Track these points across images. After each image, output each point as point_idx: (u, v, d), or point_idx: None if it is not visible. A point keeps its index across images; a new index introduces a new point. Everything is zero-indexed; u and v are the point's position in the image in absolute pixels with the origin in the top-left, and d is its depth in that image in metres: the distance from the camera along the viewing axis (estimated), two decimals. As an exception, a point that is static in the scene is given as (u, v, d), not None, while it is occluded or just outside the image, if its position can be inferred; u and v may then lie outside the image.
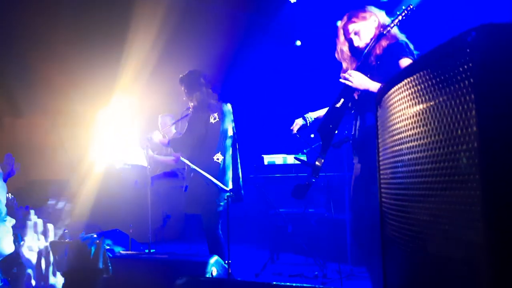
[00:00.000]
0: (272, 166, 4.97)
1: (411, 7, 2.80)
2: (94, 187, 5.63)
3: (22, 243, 1.84)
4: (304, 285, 3.18)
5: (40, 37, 5.83)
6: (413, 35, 2.98)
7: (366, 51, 2.91)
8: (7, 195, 2.53)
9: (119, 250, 3.72)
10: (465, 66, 1.04)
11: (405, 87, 1.28)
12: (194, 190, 3.88)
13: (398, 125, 1.34)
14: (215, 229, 3.88)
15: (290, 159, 5.01)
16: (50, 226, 1.84)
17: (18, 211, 2.99)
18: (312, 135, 4.90)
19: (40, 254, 1.71)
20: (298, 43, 6.98)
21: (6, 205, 2.36)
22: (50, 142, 5.84)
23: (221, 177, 3.87)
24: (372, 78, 2.85)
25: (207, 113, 3.94)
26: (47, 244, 1.91)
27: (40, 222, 1.82)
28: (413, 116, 1.24)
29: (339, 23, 3.10)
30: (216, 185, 3.74)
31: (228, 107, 4.11)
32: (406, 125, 1.27)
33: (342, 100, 2.98)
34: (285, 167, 4.95)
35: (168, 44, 6.34)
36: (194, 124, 3.91)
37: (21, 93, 5.90)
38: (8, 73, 5.85)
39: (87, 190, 5.60)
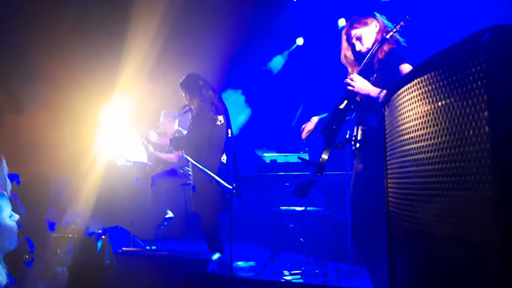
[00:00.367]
0: (274, 165, 4.97)
1: (413, 14, 2.86)
2: (95, 183, 5.62)
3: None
4: (307, 283, 3.19)
5: (41, 33, 5.81)
6: (413, 39, 3.06)
7: (368, 55, 2.96)
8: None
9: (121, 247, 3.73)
10: (478, 67, 1.05)
11: (415, 87, 1.28)
12: (200, 189, 3.89)
13: (407, 125, 1.34)
14: (215, 227, 3.89)
15: (292, 157, 5.01)
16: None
17: (21, 207, 3.00)
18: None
19: None
20: (300, 41, 6.97)
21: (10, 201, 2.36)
22: (51, 138, 5.81)
23: (226, 176, 3.89)
24: (375, 81, 2.92)
25: (213, 115, 3.95)
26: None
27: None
28: (423, 116, 1.24)
29: (342, 29, 3.17)
30: (221, 184, 3.75)
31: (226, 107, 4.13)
32: (416, 125, 1.28)
33: (345, 101, 3.02)
34: (287, 165, 4.95)
35: (169, 41, 6.33)
36: (201, 125, 3.91)
37: (22, 89, 5.88)
38: (9, 69, 5.83)
39: (89, 187, 5.59)
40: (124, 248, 3.66)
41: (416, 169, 1.28)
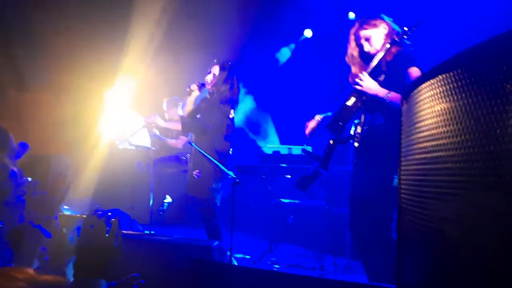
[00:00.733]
0: (277, 156, 4.96)
1: (425, 19, 2.96)
2: (96, 165, 5.61)
3: None
4: (307, 275, 3.20)
5: (48, 12, 5.78)
6: (418, 42, 3.12)
7: (378, 56, 3.01)
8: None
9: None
10: (505, 67, 1.04)
11: (438, 84, 1.27)
12: (205, 175, 3.90)
13: (427, 122, 1.33)
14: (216, 213, 3.91)
15: (295, 149, 5.01)
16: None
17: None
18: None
19: None
20: (308, 33, 6.92)
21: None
22: (54, 117, 5.80)
23: (231, 168, 3.93)
24: (382, 82, 2.98)
25: (229, 107, 3.98)
26: None
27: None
28: (445, 113, 1.23)
29: (351, 29, 3.23)
30: (224, 172, 3.77)
31: None
32: (437, 122, 1.27)
33: (353, 98, 3.06)
34: (289, 157, 4.95)
35: (175, 25, 6.28)
36: (217, 113, 3.94)
37: (27, 66, 5.86)
38: (15, 46, 5.80)
39: (90, 168, 5.59)
40: (123, 231, 3.67)
41: (434, 167, 1.27)
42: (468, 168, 1.14)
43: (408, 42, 3.05)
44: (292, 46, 7.18)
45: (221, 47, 6.01)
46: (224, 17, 6.36)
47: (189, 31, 6.34)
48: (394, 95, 2.89)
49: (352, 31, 3.21)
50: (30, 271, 1.06)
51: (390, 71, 3.02)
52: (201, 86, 4.15)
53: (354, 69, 3.25)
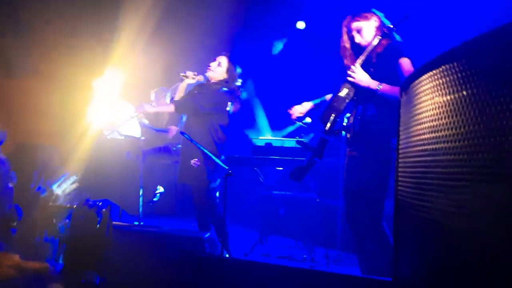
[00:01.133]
0: (269, 148, 4.93)
1: (412, 13, 3.04)
2: (84, 155, 5.54)
3: None
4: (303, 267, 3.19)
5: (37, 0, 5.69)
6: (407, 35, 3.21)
7: (369, 48, 3.06)
8: None
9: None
10: (506, 58, 1.02)
11: (440, 75, 1.25)
12: (202, 162, 3.86)
13: (429, 113, 1.31)
14: (219, 206, 3.88)
15: (288, 142, 4.99)
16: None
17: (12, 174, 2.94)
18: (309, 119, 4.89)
19: None
20: (301, 25, 6.88)
21: None
22: (41, 106, 5.70)
23: (224, 160, 3.92)
24: (373, 74, 3.02)
25: (228, 98, 3.94)
26: None
27: None
28: (448, 104, 1.21)
29: (343, 22, 3.26)
30: (217, 163, 3.74)
31: None
32: (440, 113, 1.25)
33: (345, 90, 3.10)
34: (281, 150, 4.92)
35: (166, 14, 6.20)
36: (215, 99, 3.90)
37: (14, 53, 5.75)
38: (2, 33, 5.69)
39: (77, 158, 5.51)
40: (114, 222, 3.63)
41: (436, 159, 1.25)
42: (471, 160, 1.13)
43: (398, 37, 3.11)
44: (284, 40, 7.13)
45: (213, 38, 5.96)
46: (217, 8, 6.29)
47: (181, 22, 6.27)
48: (385, 87, 2.95)
49: (344, 23, 3.25)
50: (16, 257, 1.04)
51: (380, 63, 3.07)
52: (199, 75, 4.11)
53: (346, 61, 3.29)
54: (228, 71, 4.06)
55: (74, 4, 5.80)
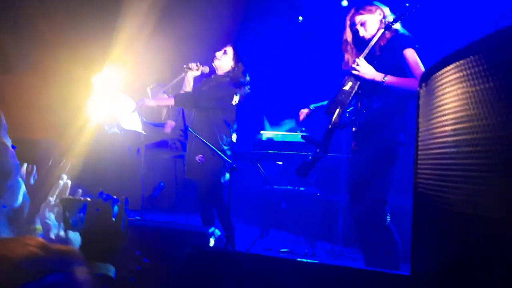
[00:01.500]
0: (270, 143, 4.93)
1: (418, 6, 3.00)
2: (83, 150, 5.50)
3: None
4: (311, 260, 3.19)
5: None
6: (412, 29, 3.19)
7: (373, 41, 3.07)
8: None
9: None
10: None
11: (467, 65, 1.24)
12: (207, 157, 3.84)
13: (452, 104, 1.30)
14: (226, 200, 3.87)
15: (290, 136, 4.98)
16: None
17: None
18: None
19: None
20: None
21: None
22: (40, 101, 5.65)
23: (231, 156, 3.90)
24: (377, 67, 3.04)
25: (234, 90, 3.91)
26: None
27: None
28: (474, 95, 1.20)
29: (347, 16, 3.29)
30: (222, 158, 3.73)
31: None
32: (464, 105, 1.23)
33: (350, 83, 3.08)
34: (283, 144, 4.91)
35: (166, 10, 6.18)
36: (219, 91, 3.86)
37: (12, 48, 5.69)
38: (0, 28, 5.63)
39: (76, 153, 5.47)
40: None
41: (463, 150, 1.24)
42: (498, 151, 1.11)
43: (402, 29, 3.12)
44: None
45: (213, 34, 5.93)
46: (216, 4, 6.27)
47: (181, 17, 6.24)
48: (391, 78, 2.97)
49: (348, 17, 3.26)
50: (41, 239, 1.02)
51: (384, 56, 3.08)
52: (205, 66, 4.07)
53: (347, 56, 3.32)
54: (234, 59, 4.03)
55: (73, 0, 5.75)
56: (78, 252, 0.97)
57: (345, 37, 3.31)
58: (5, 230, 1.77)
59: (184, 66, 4.13)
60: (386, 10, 3.18)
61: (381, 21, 3.14)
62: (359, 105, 3.25)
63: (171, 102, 4.09)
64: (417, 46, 3.01)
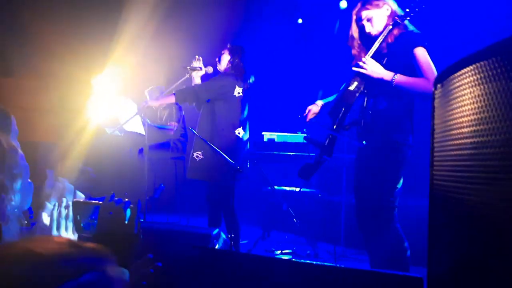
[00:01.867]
0: (271, 144, 4.92)
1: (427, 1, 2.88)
2: (84, 152, 5.49)
3: None
4: (315, 262, 3.19)
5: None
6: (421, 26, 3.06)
7: (380, 38, 2.94)
8: None
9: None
10: None
11: (485, 67, 1.24)
12: (210, 156, 3.82)
13: (471, 106, 1.30)
14: (229, 195, 3.85)
15: (291, 137, 4.97)
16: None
17: None
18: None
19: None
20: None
21: None
22: (40, 103, 5.64)
23: (240, 152, 3.87)
24: (384, 65, 2.91)
25: (229, 80, 3.90)
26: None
27: None
28: (495, 97, 1.20)
29: (353, 10, 3.14)
30: (233, 152, 3.72)
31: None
32: (484, 106, 1.23)
33: (355, 83, 3.00)
34: (284, 145, 4.91)
35: (167, 13, 6.18)
36: (216, 82, 3.86)
37: (13, 52, 5.69)
38: (0, 32, 5.62)
39: (76, 155, 5.46)
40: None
41: (482, 152, 1.24)
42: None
43: (412, 26, 2.99)
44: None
45: (213, 36, 5.93)
46: (216, 7, 6.28)
47: (181, 21, 6.24)
48: (401, 77, 2.83)
49: (354, 11, 3.12)
50: (70, 238, 1.01)
51: (392, 54, 2.95)
52: (208, 67, 4.07)
53: (354, 51, 3.19)
54: (230, 54, 4.05)
55: (73, 2, 5.74)
56: (108, 250, 0.97)
57: (351, 33, 3.16)
58: (16, 232, 1.76)
59: (188, 67, 4.11)
60: (394, 5, 3.03)
61: (389, 16, 2.98)
62: (364, 105, 3.11)
63: (173, 99, 4.06)
64: (427, 44, 2.87)
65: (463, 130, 1.34)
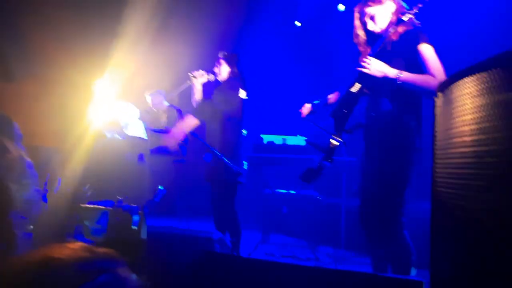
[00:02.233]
0: (271, 146, 4.95)
1: None
2: (84, 157, 5.50)
3: None
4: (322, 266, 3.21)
5: (35, 2, 5.64)
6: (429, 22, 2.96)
7: (383, 38, 2.84)
8: None
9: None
10: None
11: (487, 78, 1.27)
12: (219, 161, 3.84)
13: (472, 115, 1.33)
14: (233, 205, 3.87)
15: (290, 140, 5.00)
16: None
17: None
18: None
19: None
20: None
21: None
22: (40, 109, 5.65)
23: (245, 149, 3.91)
24: (390, 63, 2.80)
25: (241, 84, 3.95)
26: None
27: None
28: (497, 107, 1.23)
29: (356, 7, 3.03)
30: (239, 155, 3.75)
31: None
32: (486, 116, 1.27)
33: (358, 84, 2.90)
34: (284, 148, 4.94)
35: (167, 18, 6.21)
36: (229, 93, 3.89)
37: (13, 57, 5.70)
38: (0, 37, 5.64)
39: (77, 160, 5.47)
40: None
41: (482, 161, 1.27)
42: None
43: (416, 21, 2.85)
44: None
45: (213, 40, 5.96)
46: (216, 11, 6.30)
47: (181, 25, 6.27)
48: (407, 75, 2.71)
49: (356, 8, 3.02)
50: (84, 243, 1.07)
51: (396, 52, 2.84)
52: (210, 73, 4.09)
53: (360, 48, 3.09)
54: (230, 68, 4.08)
55: (73, 7, 5.76)
56: (118, 254, 1.04)
57: (355, 30, 3.06)
58: (26, 240, 1.79)
59: (190, 73, 4.13)
60: (400, 2, 2.91)
61: (393, 13, 2.86)
62: (368, 107, 3.05)
63: (193, 120, 4.01)
64: (432, 40, 2.75)
65: (464, 139, 1.38)
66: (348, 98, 2.94)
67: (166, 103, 5.92)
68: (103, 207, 1.80)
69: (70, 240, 1.73)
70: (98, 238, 1.69)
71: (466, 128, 1.38)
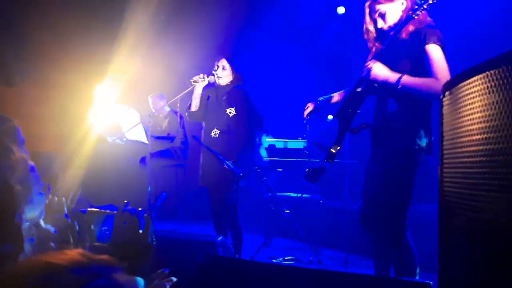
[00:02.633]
0: (272, 150, 4.95)
1: None
2: (85, 161, 5.49)
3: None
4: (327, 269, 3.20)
5: (35, 6, 5.63)
6: (443, 20, 2.93)
7: (392, 35, 2.75)
8: None
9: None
10: None
11: (495, 76, 1.26)
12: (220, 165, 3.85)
13: (480, 114, 1.32)
14: (236, 207, 3.87)
15: (291, 143, 5.00)
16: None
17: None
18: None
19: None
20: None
21: None
22: (41, 113, 5.65)
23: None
24: (396, 63, 2.76)
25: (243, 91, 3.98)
26: None
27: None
28: (505, 105, 1.22)
29: (366, 2, 2.96)
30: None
31: None
32: (494, 114, 1.25)
33: (364, 84, 2.85)
34: (285, 151, 4.94)
35: (168, 21, 6.21)
36: (242, 98, 3.92)
37: (13, 61, 5.69)
38: (1, 41, 5.63)
39: (78, 164, 5.46)
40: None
41: (494, 159, 1.26)
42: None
43: (429, 18, 2.78)
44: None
45: (212, 43, 5.96)
46: (215, 15, 6.31)
47: (181, 29, 6.27)
48: (408, 80, 2.64)
49: (366, 4, 2.94)
50: (80, 250, 1.09)
51: (406, 52, 2.77)
52: (210, 76, 4.10)
53: (370, 44, 3.04)
54: (232, 71, 4.10)
55: (74, 12, 5.76)
56: (116, 260, 1.07)
57: (365, 26, 2.99)
58: (27, 245, 1.77)
59: (191, 80, 4.13)
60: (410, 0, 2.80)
61: (404, 11, 2.79)
62: (374, 108, 3.01)
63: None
64: (442, 40, 2.67)
65: (473, 137, 1.36)
66: (353, 98, 2.90)
67: (167, 108, 5.93)
68: (108, 211, 1.78)
69: (69, 246, 1.71)
70: (104, 243, 1.67)
71: (474, 126, 1.36)
